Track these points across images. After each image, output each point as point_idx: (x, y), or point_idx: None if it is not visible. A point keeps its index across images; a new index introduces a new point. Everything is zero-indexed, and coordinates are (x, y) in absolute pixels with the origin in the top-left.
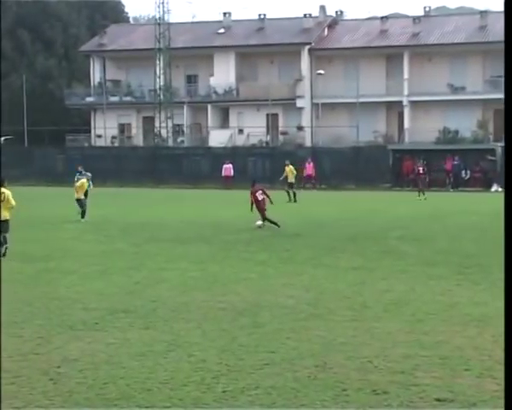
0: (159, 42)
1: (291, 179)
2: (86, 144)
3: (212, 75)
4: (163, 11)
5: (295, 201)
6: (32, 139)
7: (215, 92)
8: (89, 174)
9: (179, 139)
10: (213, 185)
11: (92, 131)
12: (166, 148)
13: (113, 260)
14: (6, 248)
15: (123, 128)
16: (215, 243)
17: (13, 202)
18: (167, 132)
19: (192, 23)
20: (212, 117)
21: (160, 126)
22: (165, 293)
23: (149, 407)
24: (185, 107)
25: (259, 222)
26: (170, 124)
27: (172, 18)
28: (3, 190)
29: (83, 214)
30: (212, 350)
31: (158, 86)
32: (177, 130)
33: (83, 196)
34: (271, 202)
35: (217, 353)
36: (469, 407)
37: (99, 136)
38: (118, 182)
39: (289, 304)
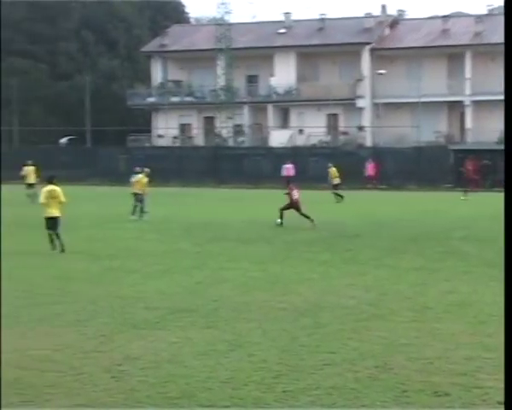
0: (220, 42)
1: (336, 181)
2: (148, 144)
3: (272, 75)
4: (224, 12)
5: (338, 201)
6: (96, 139)
7: (275, 92)
8: (147, 170)
9: (240, 139)
10: (274, 185)
11: (153, 131)
12: (227, 148)
13: (175, 260)
14: (62, 244)
15: (184, 128)
16: (276, 243)
17: (62, 199)
18: (228, 132)
19: (253, 23)
20: (272, 117)
21: (220, 126)
22: (226, 293)
23: (210, 407)
24: (246, 107)
25: (279, 220)
26: (230, 124)
27: (233, 18)
28: (54, 187)
29: (141, 210)
30: (272, 350)
31: (219, 86)
32: (238, 130)
33: (141, 192)
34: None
35: (277, 353)
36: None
37: (160, 136)
38: (180, 182)
39: (351, 304)
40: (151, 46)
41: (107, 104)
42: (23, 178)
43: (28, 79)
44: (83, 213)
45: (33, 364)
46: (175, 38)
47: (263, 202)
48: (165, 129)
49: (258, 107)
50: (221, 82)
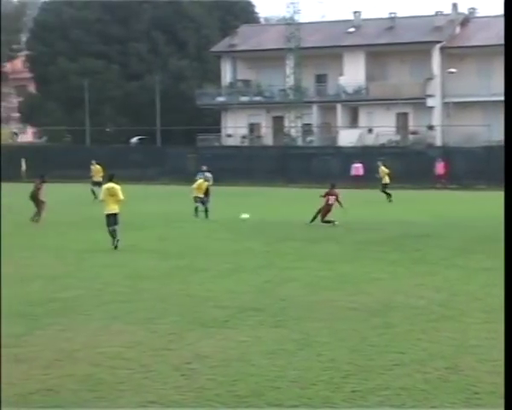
0: (289, 42)
1: (385, 180)
2: (217, 144)
3: (341, 74)
4: (293, 11)
5: (389, 201)
6: (165, 139)
7: (344, 92)
8: (209, 174)
9: (308, 139)
10: (343, 185)
11: (222, 130)
12: (296, 147)
13: (243, 259)
14: (117, 241)
15: (253, 128)
16: (345, 242)
17: (121, 197)
18: (297, 132)
19: (322, 23)
20: (341, 116)
21: (289, 126)
22: (295, 292)
23: (278, 406)
24: (314, 106)
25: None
26: (299, 123)
27: (302, 18)
28: (113, 184)
29: (205, 211)
30: (341, 350)
31: (288, 86)
32: (307, 129)
33: (202, 195)
34: (341, 206)
35: (346, 352)
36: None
37: (229, 135)
38: (248, 181)
39: (420, 305)
40: (220, 46)
41: (177, 104)
42: (91, 176)
43: (100, 80)
44: (153, 212)
45: (105, 361)
46: (244, 38)
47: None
48: (234, 128)
49: (327, 106)
50: (290, 81)
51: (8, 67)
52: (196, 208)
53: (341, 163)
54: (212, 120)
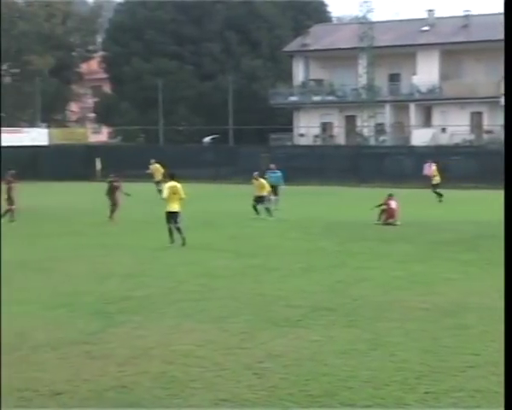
0: (362, 41)
1: (436, 180)
2: (289, 143)
3: (415, 74)
4: (366, 10)
5: (440, 201)
6: (238, 138)
7: (418, 91)
8: (279, 173)
9: (381, 138)
10: (416, 185)
11: (295, 130)
12: (369, 147)
13: (315, 258)
14: (184, 238)
15: (325, 127)
16: (417, 242)
17: (183, 195)
18: (369, 131)
19: (395, 21)
20: (414, 116)
21: (362, 125)
22: (367, 292)
23: (351, 406)
24: (387, 106)
25: None
26: (372, 123)
27: (375, 16)
28: (175, 183)
29: (267, 210)
30: (414, 350)
31: (360, 85)
32: (379, 129)
33: (264, 193)
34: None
35: (419, 353)
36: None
37: (301, 135)
38: (320, 180)
39: (496, 306)
40: (293, 46)
41: (250, 104)
42: (151, 175)
43: (173, 80)
44: (225, 211)
45: (178, 359)
46: (317, 38)
47: (404, 202)
48: (307, 128)
49: (400, 105)
50: (363, 81)
51: (84, 67)
52: (255, 207)
53: (414, 163)
54: (284, 120)
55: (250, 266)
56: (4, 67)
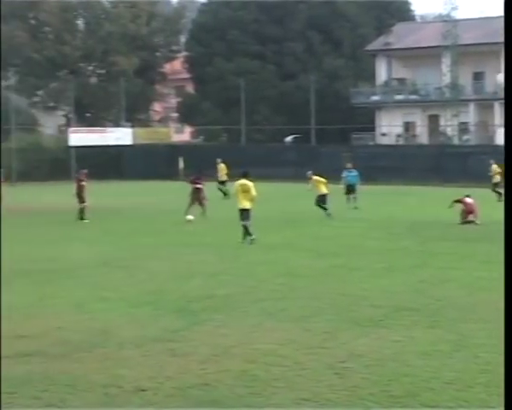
0: (445, 39)
1: (496, 179)
2: (371, 143)
3: (499, 72)
4: (450, 8)
5: (499, 200)
6: (319, 138)
7: (502, 89)
8: (355, 172)
9: (465, 138)
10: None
11: (377, 129)
12: (452, 146)
13: (398, 258)
14: (252, 238)
15: (408, 126)
16: (502, 242)
17: (254, 193)
18: (453, 131)
19: (480, 19)
20: (499, 115)
21: (445, 125)
22: (451, 292)
23: (434, 407)
24: (471, 105)
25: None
26: (455, 122)
27: (460, 14)
28: (245, 181)
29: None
30: (499, 352)
31: (444, 84)
32: (463, 128)
33: (324, 191)
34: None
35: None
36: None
37: (384, 134)
38: (402, 180)
39: None
40: (375, 45)
41: (331, 103)
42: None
43: (256, 80)
44: (306, 211)
45: (260, 357)
46: (399, 36)
47: (487, 202)
48: (389, 127)
49: (485, 104)
50: (446, 80)
51: (167, 68)
52: (320, 205)
53: (499, 162)
54: (366, 119)
55: (332, 265)
56: (91, 67)
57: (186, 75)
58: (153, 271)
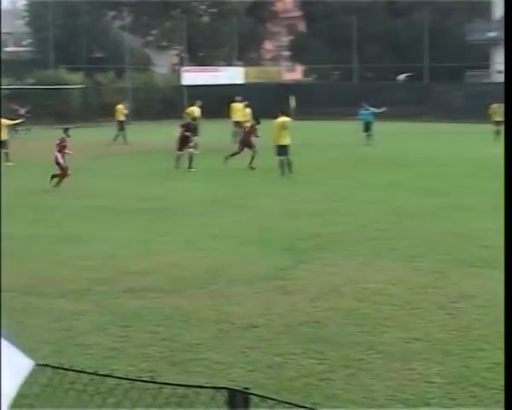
0: None
1: None
2: (486, 80)
3: None
4: None
5: None
6: (432, 76)
7: None
8: (371, 110)
9: None
10: None
11: (492, 66)
12: None
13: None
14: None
15: None
16: None
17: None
18: None
19: None
20: None
21: None
22: None
23: None
24: None
25: None
26: None
27: None
28: (285, 118)
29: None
30: None
31: None
32: None
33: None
34: None
35: None
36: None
37: (499, 72)
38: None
39: None
40: None
41: (445, 40)
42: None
43: (366, 17)
44: (415, 149)
45: (369, 296)
46: None
47: None
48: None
49: None
50: None
51: (279, 6)
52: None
53: None
54: (481, 56)
55: (441, 205)
56: (203, 6)
57: (297, 13)
58: (262, 209)
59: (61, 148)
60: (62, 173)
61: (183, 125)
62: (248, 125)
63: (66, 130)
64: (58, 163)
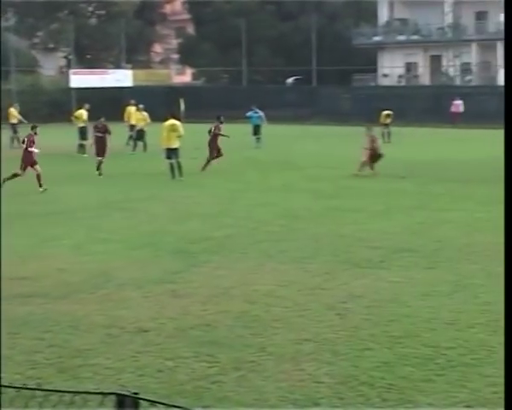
0: None
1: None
2: (372, 84)
3: (502, 12)
4: None
5: None
6: (320, 79)
7: None
8: (260, 113)
9: (467, 78)
10: (501, 125)
11: (379, 70)
12: (454, 87)
13: (396, 200)
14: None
15: (409, 67)
16: (501, 184)
17: (182, 132)
18: (455, 71)
19: None
20: (501, 55)
21: (447, 65)
22: (449, 233)
23: (434, 347)
24: (474, 45)
25: None
26: (457, 62)
27: None
28: (174, 121)
29: None
30: (498, 293)
31: (446, 24)
32: (465, 68)
33: None
34: None
35: (503, 295)
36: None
37: (385, 75)
38: (404, 121)
39: None
40: None
41: (332, 44)
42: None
43: (255, 20)
44: (305, 152)
45: (260, 298)
46: None
47: (487, 143)
48: (391, 68)
49: (487, 45)
50: (448, 19)
51: (167, 8)
52: None
53: (499, 103)
54: (367, 60)
55: (330, 207)
56: (90, 8)
57: (186, 16)
58: (150, 213)
59: None
60: None
61: (96, 127)
62: (212, 127)
63: None
64: None
